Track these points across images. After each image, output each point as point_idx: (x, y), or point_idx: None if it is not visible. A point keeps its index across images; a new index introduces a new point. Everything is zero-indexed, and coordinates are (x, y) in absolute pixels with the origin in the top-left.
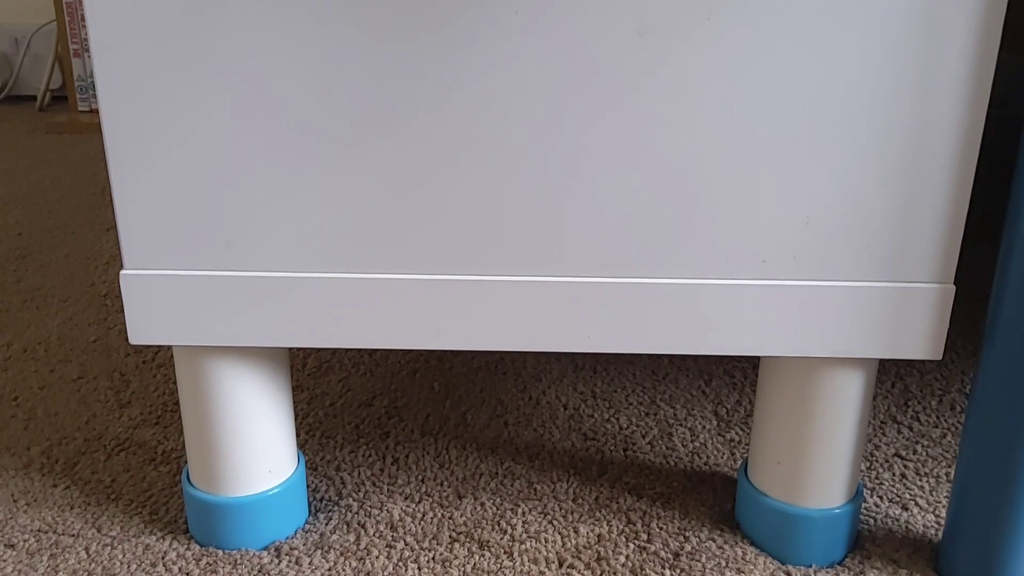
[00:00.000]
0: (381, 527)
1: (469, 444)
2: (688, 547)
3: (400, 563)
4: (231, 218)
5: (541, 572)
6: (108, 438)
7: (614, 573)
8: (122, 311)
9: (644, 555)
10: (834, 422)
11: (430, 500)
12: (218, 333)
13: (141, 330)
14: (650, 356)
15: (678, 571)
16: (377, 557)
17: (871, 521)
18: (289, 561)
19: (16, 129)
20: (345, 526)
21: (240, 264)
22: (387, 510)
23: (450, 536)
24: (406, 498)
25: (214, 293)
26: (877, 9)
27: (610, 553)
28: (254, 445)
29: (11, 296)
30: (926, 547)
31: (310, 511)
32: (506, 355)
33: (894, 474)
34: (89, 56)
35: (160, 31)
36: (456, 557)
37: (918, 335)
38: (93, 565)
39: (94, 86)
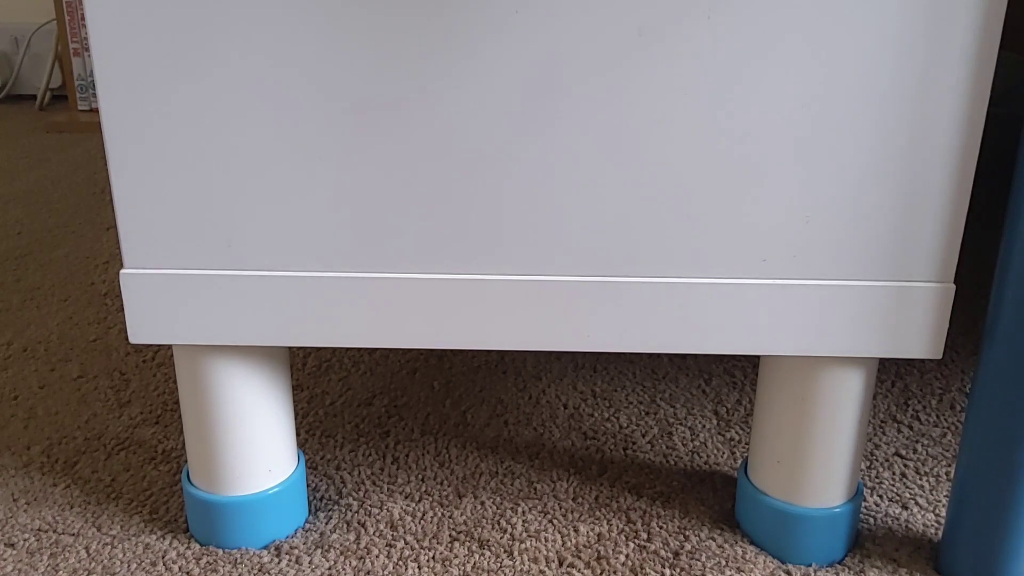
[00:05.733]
0: (381, 526)
1: (469, 443)
2: (688, 546)
3: (400, 562)
4: (231, 218)
5: (541, 571)
6: (108, 437)
7: (614, 572)
8: (122, 310)
9: (644, 554)
10: (834, 421)
11: (430, 499)
12: (218, 332)
13: (141, 329)
14: (650, 355)
15: (678, 570)
16: (377, 556)
17: (871, 520)
18: (289, 560)
19: (16, 128)
20: (345, 525)
21: (240, 264)
22: (387, 509)
23: (450, 535)
24: (406, 497)
25: (214, 293)
26: (877, 9)
27: (610, 552)
28: (254, 444)
29: (11, 295)
30: (926, 546)
31: (310, 510)
32: (506, 354)
33: (894, 473)
34: (89, 55)
35: (160, 30)
36: (456, 556)
37: (918, 334)
38: (93, 564)
39: (94, 85)
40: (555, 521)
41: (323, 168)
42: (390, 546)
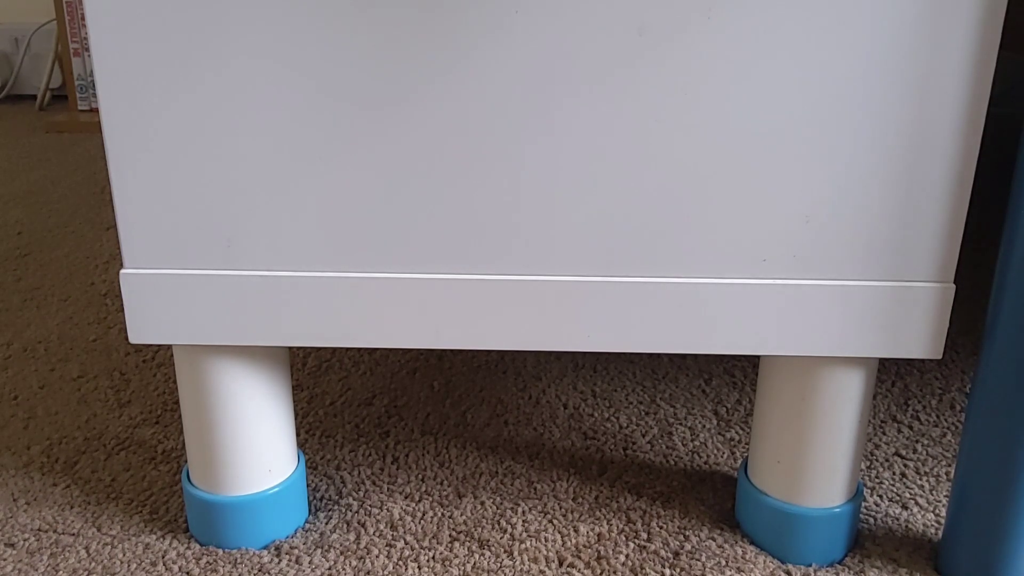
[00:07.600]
0: (381, 526)
1: (469, 443)
2: (688, 546)
3: (400, 562)
4: (231, 218)
5: (541, 571)
6: (108, 437)
7: (614, 572)
8: (122, 310)
9: (644, 554)
10: (834, 421)
11: (430, 499)
12: (218, 332)
13: (141, 329)
14: (650, 355)
15: (678, 570)
16: (377, 556)
17: (871, 520)
18: (289, 560)
19: (16, 128)
20: (345, 525)
21: (240, 264)
22: (387, 509)
23: (450, 535)
24: (406, 497)
25: (214, 292)
26: (877, 8)
27: (610, 552)
28: (254, 444)
29: (11, 295)
30: (926, 546)
31: (310, 510)
32: (506, 354)
33: (894, 473)
34: (89, 56)
35: (160, 30)
36: (456, 556)
37: (918, 334)
38: (93, 564)
39: (94, 85)
40: (555, 521)
41: (322, 168)
42: (390, 546)
